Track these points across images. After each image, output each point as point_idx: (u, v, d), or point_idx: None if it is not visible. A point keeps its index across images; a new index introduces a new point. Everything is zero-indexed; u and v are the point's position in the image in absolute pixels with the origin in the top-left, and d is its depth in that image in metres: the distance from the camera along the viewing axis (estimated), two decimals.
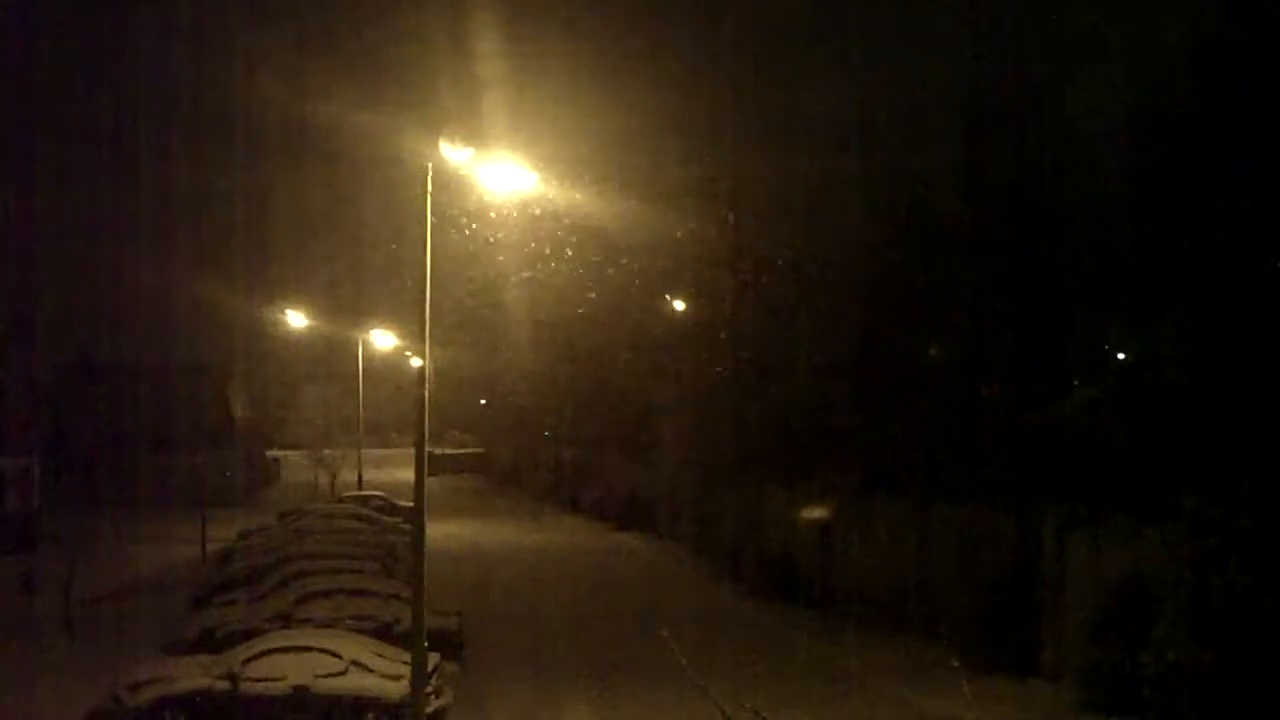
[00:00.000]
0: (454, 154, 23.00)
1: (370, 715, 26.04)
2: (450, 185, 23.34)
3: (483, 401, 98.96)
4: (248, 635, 29.58)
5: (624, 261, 58.84)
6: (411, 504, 26.62)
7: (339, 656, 26.57)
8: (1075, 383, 35.78)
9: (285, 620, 31.65)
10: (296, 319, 76.76)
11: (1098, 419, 31.74)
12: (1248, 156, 27.58)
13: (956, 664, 29.52)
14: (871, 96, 40.78)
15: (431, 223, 23.57)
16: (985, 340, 35.63)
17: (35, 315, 70.67)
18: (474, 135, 23.81)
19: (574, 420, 76.56)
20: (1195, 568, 25.80)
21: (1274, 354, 26.97)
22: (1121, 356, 35.89)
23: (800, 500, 45.03)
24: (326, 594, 33.30)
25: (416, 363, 23.97)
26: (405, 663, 24.97)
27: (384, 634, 30.39)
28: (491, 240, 56.40)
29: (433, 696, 25.65)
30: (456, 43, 47.77)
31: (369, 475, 75.64)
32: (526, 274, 61.41)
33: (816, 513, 42.81)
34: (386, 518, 57.27)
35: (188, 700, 25.84)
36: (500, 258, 59.39)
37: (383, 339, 73.73)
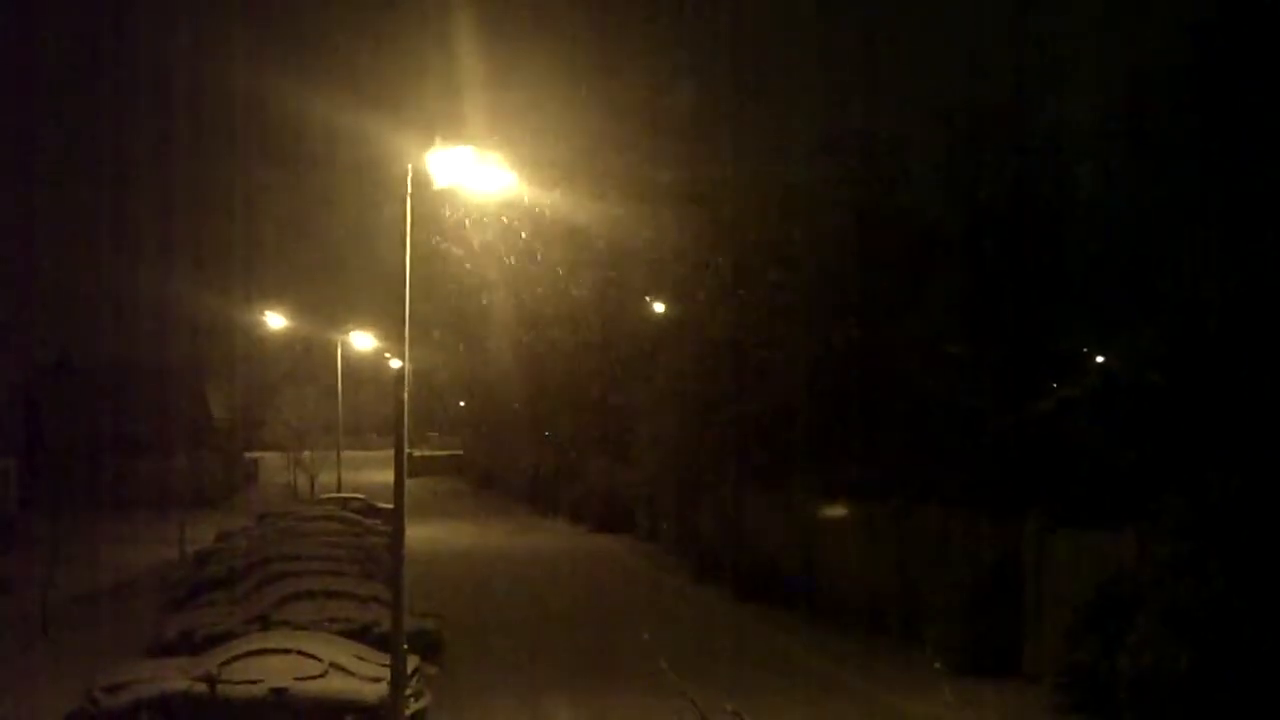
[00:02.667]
0: (436, 156, 22.95)
1: (349, 718, 25.97)
2: (430, 187, 23.26)
3: (462, 403, 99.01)
4: (226, 637, 29.49)
5: (604, 263, 58.90)
6: (390, 506, 26.57)
7: (318, 659, 26.50)
8: (1054, 385, 35.82)
9: (264, 622, 31.55)
10: (276, 320, 76.67)
11: (1077, 421, 31.78)
12: (1230, 158, 27.65)
13: (938, 666, 29.55)
14: (859, 99, 40.88)
15: (411, 224, 23.53)
16: (966, 343, 35.68)
17: (14, 317, 70.55)
18: (455, 136, 23.76)
19: (553, 422, 76.51)
20: (1173, 570, 25.86)
21: (1253, 355, 27.03)
22: (1101, 359, 35.95)
23: (780, 502, 45.03)
24: (306, 596, 33.21)
25: (396, 364, 23.94)
26: (384, 665, 24.92)
27: (363, 636, 30.32)
28: (471, 241, 56.40)
29: (412, 699, 25.60)
30: (437, 45, 47.76)
31: (348, 477, 75.53)
32: (506, 275, 61.46)
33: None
34: (366, 520, 57.15)
35: (165, 702, 25.74)
36: (480, 259, 59.41)
37: (362, 341, 73.70)
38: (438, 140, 22.90)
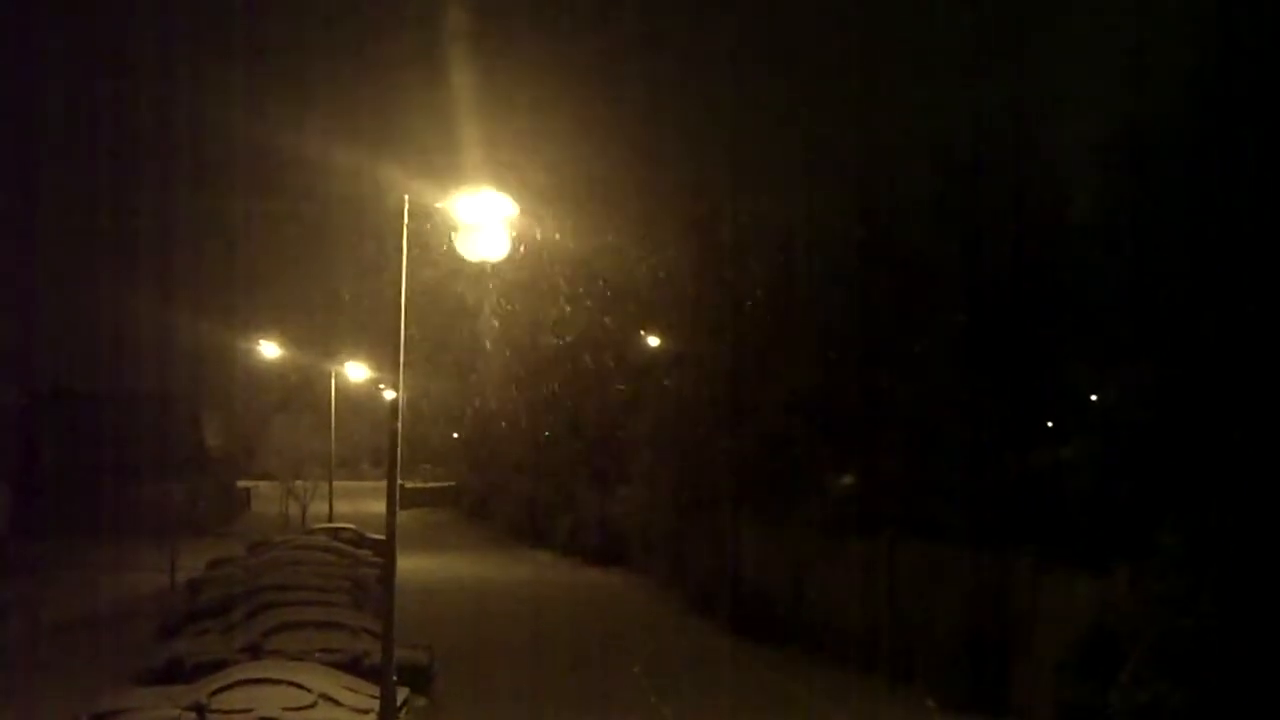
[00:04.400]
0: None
1: None
2: (426, 217, 23.26)
3: (455, 435, 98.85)
4: (216, 666, 29.41)
5: (600, 294, 58.98)
6: (382, 537, 26.54)
7: (308, 689, 26.45)
8: (1049, 423, 35.81)
9: (254, 652, 31.48)
10: (270, 349, 76.59)
11: (1073, 462, 31.80)
12: (1228, 188, 27.72)
13: (930, 703, 29.55)
14: (853, 131, 40.99)
15: (407, 255, 23.53)
16: (960, 379, 35.70)
17: (7, 344, 70.54)
18: (450, 167, 23.78)
19: (546, 453, 76.41)
20: (1165, 607, 25.83)
21: (1249, 389, 27.05)
22: (1094, 397, 35.96)
23: (774, 535, 44.98)
24: (296, 626, 33.14)
25: (390, 395, 23.92)
26: (374, 696, 24.87)
27: (353, 667, 30.25)
28: (466, 273, 56.42)
29: None
30: (433, 78, 47.88)
31: (340, 508, 75.40)
32: (501, 306, 61.50)
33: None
34: (357, 550, 57.07)
35: None
36: (475, 290, 59.45)
37: (356, 371, 73.65)
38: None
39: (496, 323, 63.48)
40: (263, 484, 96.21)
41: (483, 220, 22.44)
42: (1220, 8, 28.77)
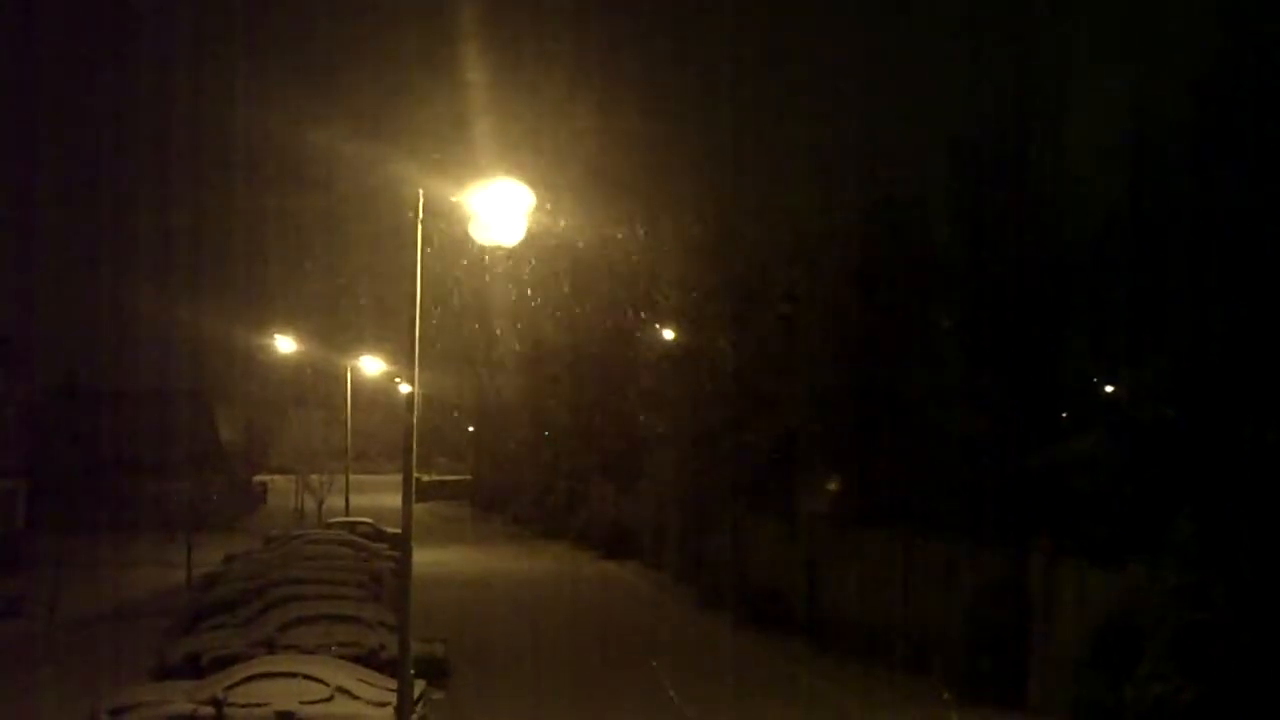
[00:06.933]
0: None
1: None
2: (442, 212, 23.24)
3: (471, 428, 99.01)
4: (233, 661, 29.48)
5: (612, 291, 59.00)
6: (398, 530, 26.56)
7: (324, 683, 26.52)
8: (1063, 414, 35.75)
9: (271, 646, 31.55)
10: (285, 344, 76.73)
11: (1090, 457, 31.77)
12: (1239, 187, 27.68)
13: (945, 696, 29.48)
14: (867, 126, 40.94)
15: (423, 250, 23.51)
16: (975, 372, 35.66)
17: (23, 338, 70.63)
18: (465, 162, 23.77)
19: (561, 447, 76.49)
20: (1180, 601, 25.83)
21: (1258, 385, 27.02)
22: (1110, 389, 35.92)
23: (785, 530, 45.00)
24: (312, 620, 33.20)
25: (405, 389, 23.93)
26: (391, 690, 24.92)
27: (370, 661, 30.32)
28: (485, 270, 56.51)
29: None
30: (445, 76, 47.98)
31: (356, 501, 75.49)
32: (517, 300, 61.59)
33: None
34: (373, 544, 57.15)
35: None
36: (491, 284, 59.56)
37: (372, 365, 73.75)
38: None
39: (510, 317, 63.63)
40: (279, 478, 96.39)
41: (499, 212, 22.39)
42: (1227, 8, 28.76)
